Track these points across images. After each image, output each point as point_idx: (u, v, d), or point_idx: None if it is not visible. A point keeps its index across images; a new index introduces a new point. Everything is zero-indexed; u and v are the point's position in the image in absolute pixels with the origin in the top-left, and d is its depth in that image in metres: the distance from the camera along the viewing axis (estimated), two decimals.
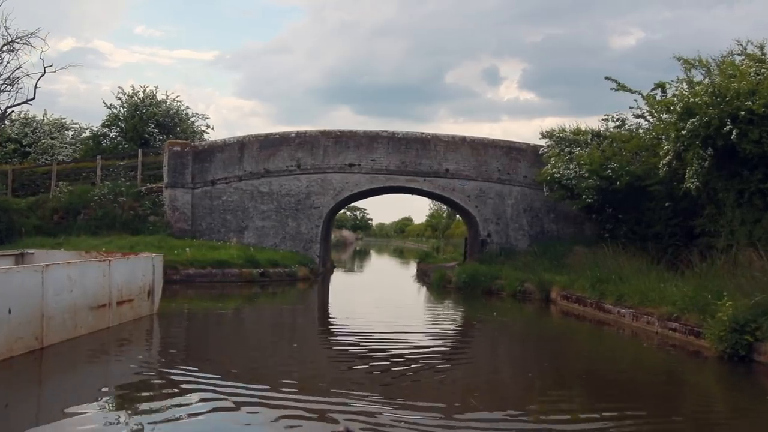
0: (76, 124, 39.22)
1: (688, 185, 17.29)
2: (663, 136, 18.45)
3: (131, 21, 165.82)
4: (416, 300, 21.60)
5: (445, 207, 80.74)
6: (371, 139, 26.75)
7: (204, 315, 15.72)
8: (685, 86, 18.04)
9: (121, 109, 36.20)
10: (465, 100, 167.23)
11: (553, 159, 24.17)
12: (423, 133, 27.10)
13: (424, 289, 25.07)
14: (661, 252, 20.30)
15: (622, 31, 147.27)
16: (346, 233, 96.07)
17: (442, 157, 26.78)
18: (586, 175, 22.53)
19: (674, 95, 18.32)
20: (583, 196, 22.57)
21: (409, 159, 26.68)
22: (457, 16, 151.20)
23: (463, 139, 27.06)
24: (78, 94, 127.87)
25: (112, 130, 36.45)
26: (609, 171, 22.05)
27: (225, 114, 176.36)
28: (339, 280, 28.74)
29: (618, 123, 22.54)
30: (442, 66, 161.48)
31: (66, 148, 36.64)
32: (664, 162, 18.18)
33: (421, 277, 29.15)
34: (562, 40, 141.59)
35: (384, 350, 11.80)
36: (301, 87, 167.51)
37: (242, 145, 26.67)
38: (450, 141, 26.96)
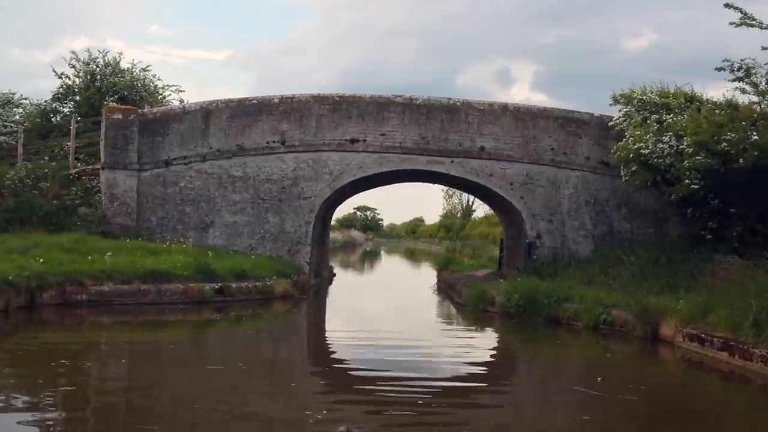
0: (25, 99, 32.43)
1: None
2: None
3: (145, 20, 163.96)
4: (448, 334, 14.46)
5: (461, 206, 74.92)
6: (381, 106, 19.87)
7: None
8: None
9: (76, 79, 29.45)
10: None
11: (634, 130, 17.26)
12: (450, 99, 20.19)
13: (452, 310, 18.16)
14: None
15: (634, 32, 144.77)
16: (355, 233, 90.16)
17: (476, 131, 19.86)
18: (690, 150, 15.64)
19: None
20: (686, 181, 15.70)
21: (432, 133, 19.78)
22: (468, 18, 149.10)
23: (505, 108, 20.13)
24: None
25: (65, 105, 29.70)
26: (724, 144, 15.15)
27: None
28: (338, 295, 21.77)
29: (741, 74, 15.50)
30: (454, 67, 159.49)
31: (10, 127, 29.92)
32: None
33: (446, 290, 22.18)
34: (574, 42, 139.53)
35: None
36: (313, 87, 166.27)
37: (207, 113, 19.86)
38: (487, 110, 20.04)
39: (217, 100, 20.10)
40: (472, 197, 66.57)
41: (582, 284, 15.68)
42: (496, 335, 14.32)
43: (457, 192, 69.55)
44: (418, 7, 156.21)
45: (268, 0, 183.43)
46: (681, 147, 16.00)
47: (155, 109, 20.95)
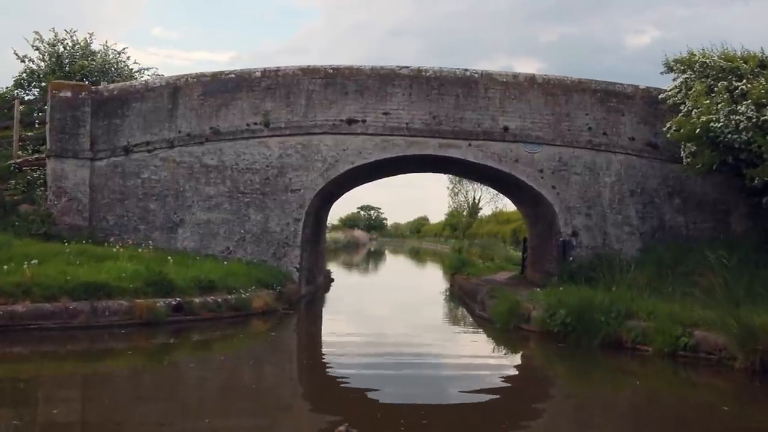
0: None
1: None
2: None
3: (148, 22, 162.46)
4: (481, 369, 11.04)
5: (467, 203, 71.37)
6: (383, 80, 16.54)
7: None
8: None
9: (41, 62, 26.16)
10: None
11: (699, 100, 13.89)
12: (467, 71, 16.84)
13: (475, 328, 14.78)
14: None
15: (637, 29, 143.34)
16: (359, 233, 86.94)
17: (498, 109, 16.54)
18: None
19: None
20: None
21: (445, 111, 16.46)
22: (471, 17, 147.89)
23: (532, 80, 16.79)
24: None
25: (29, 92, 26.40)
26: None
27: None
28: (334, 307, 18.39)
29: None
30: (457, 66, 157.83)
31: None
32: None
33: (462, 299, 18.81)
34: (577, 39, 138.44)
35: None
36: None
37: (175, 89, 16.55)
38: (511, 82, 16.70)
39: (187, 75, 16.79)
40: (479, 195, 63.46)
41: (645, 294, 12.26)
42: (536, 360, 10.93)
43: (463, 189, 66.18)
44: (421, 7, 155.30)
45: (272, 0, 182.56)
46: (764, 118, 12.68)
47: (112, 86, 17.60)
